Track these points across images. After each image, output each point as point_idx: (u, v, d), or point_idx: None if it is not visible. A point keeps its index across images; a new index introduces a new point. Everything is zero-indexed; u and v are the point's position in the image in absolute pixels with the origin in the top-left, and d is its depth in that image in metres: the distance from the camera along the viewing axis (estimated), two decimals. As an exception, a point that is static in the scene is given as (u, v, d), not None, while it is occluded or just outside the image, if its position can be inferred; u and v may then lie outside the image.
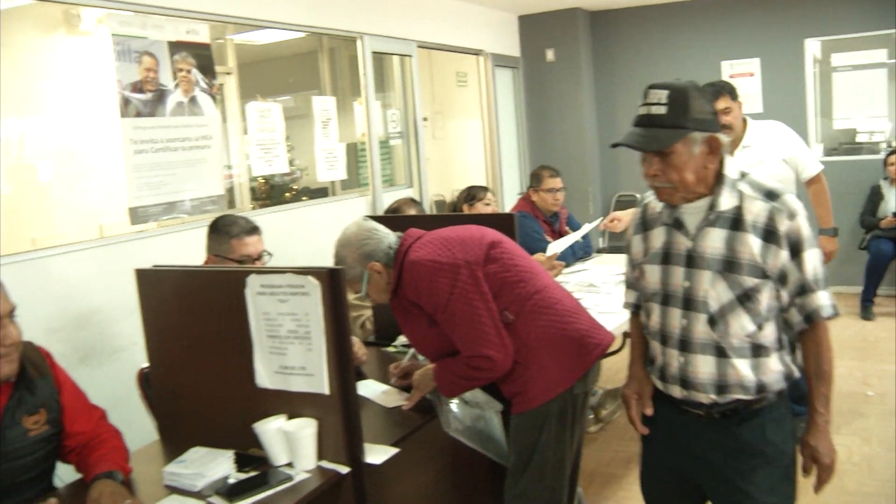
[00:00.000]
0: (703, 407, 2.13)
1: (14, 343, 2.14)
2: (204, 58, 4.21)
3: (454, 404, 2.66)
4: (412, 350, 2.94)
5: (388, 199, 5.61)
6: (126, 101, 3.75)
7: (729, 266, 2.05)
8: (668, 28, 8.03)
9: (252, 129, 4.76)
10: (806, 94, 7.56)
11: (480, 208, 4.75)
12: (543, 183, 4.94)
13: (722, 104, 3.98)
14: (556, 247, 4.47)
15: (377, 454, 2.32)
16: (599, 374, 3.14)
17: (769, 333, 2.08)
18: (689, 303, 2.10)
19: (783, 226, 2.01)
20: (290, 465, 2.25)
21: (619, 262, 4.33)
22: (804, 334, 2.10)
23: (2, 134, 3.66)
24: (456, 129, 8.22)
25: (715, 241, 2.06)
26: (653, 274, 2.19)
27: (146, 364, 2.71)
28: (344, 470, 2.23)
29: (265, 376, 2.36)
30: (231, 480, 2.18)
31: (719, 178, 2.08)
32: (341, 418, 2.24)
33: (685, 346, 2.12)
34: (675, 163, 2.04)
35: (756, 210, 2.04)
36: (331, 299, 2.20)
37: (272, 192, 6.83)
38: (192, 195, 4.19)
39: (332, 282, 2.20)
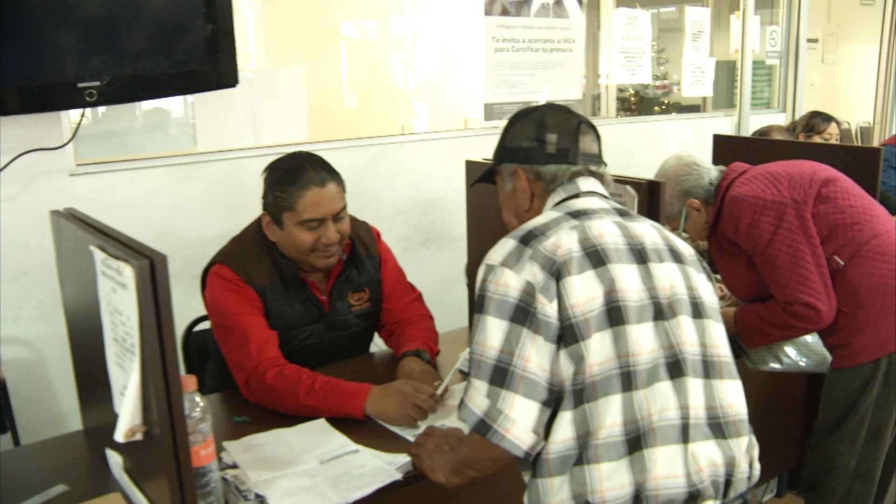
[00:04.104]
0: None
1: (334, 243, 2.21)
2: (572, -40, 4.17)
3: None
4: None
5: (755, 122, 5.26)
6: (492, 0, 3.84)
7: None
8: None
9: (616, 37, 4.66)
10: None
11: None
12: None
13: None
14: None
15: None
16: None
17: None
18: None
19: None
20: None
21: None
22: None
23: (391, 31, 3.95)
24: (851, 54, 7.41)
25: None
26: None
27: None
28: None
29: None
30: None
31: None
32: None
33: None
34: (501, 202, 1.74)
35: None
36: (646, 212, 2.11)
37: (641, 105, 6.73)
38: (548, 97, 4.22)
39: (650, 195, 2.10)
